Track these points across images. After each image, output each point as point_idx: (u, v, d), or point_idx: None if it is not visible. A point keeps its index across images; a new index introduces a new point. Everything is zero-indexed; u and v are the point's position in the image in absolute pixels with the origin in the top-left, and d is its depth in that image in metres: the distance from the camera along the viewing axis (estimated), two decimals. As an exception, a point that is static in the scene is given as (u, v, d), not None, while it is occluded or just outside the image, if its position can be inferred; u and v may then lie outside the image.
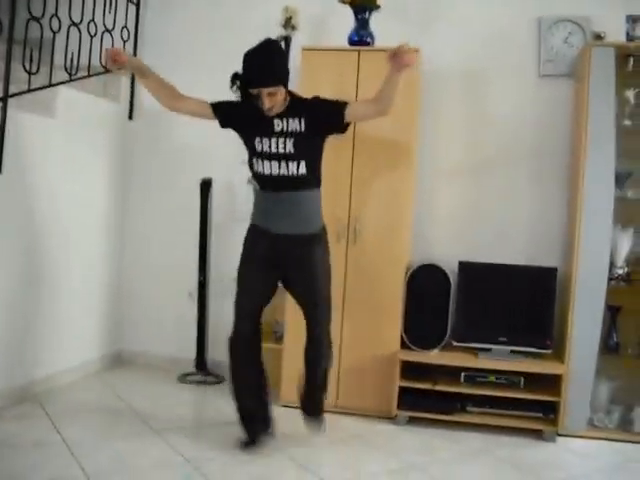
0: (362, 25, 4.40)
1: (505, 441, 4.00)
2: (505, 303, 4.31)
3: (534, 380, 4.16)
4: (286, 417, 3.99)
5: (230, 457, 3.52)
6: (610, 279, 4.14)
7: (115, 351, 5.21)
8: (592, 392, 4.14)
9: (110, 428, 3.91)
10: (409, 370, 4.18)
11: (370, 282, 4.25)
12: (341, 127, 3.51)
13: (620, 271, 4.19)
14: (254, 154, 3.50)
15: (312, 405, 3.84)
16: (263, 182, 3.53)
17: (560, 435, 4.07)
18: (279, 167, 3.44)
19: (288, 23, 4.67)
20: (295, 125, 3.44)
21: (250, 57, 3.31)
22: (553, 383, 4.12)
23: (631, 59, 4.24)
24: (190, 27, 5.12)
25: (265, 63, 3.29)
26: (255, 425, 3.66)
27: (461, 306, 4.34)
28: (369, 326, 4.25)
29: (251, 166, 3.56)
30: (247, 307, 3.60)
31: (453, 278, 4.35)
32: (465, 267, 4.36)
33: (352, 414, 4.26)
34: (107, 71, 4.57)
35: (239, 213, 4.84)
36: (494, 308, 4.30)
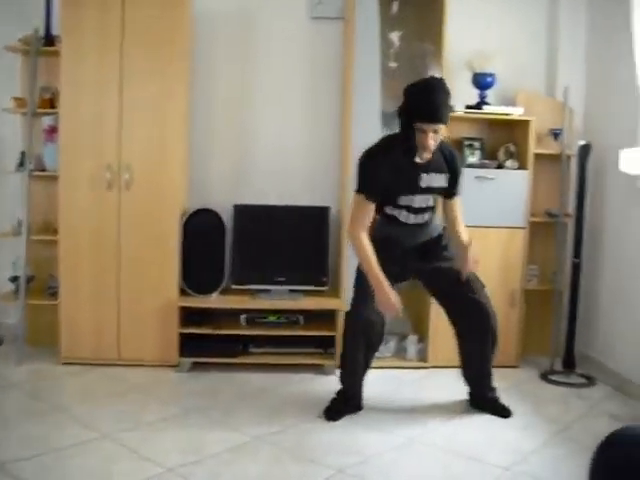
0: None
1: (288, 378, 4.11)
2: (281, 244, 4.38)
3: (313, 317, 4.29)
4: (67, 374, 3.86)
5: (7, 424, 3.35)
6: (380, 215, 4.31)
7: None
8: (368, 325, 4.33)
9: None
10: (190, 316, 4.17)
11: (145, 230, 4.14)
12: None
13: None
14: (394, 206, 3.47)
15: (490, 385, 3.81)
16: (391, 221, 3.51)
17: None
18: (415, 218, 3.50)
19: (48, -40, 4.38)
20: (440, 182, 3.48)
21: (427, 93, 3.26)
22: (331, 318, 4.26)
23: (396, 3, 4.37)
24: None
25: (442, 100, 3.26)
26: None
27: (237, 249, 4.36)
28: (147, 275, 4.16)
29: (383, 210, 3.50)
30: None
31: (228, 221, 4.34)
32: (240, 210, 4.36)
33: (135, 365, 4.17)
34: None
35: (4, 165, 4.56)
36: (270, 249, 4.36)
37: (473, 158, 4.48)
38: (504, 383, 4.12)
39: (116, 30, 4.06)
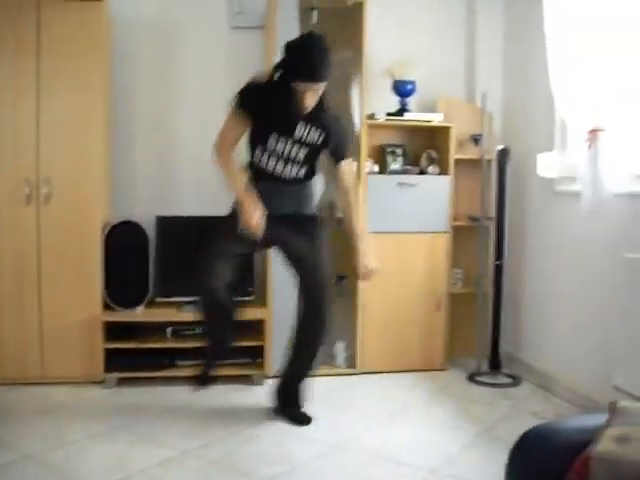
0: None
1: (216, 390, 4.04)
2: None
3: (241, 327, 4.25)
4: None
5: None
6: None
7: None
8: (296, 333, 4.34)
9: None
10: (115, 330, 4.09)
11: (66, 244, 4.05)
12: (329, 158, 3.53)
13: (314, 216, 4.39)
14: (263, 147, 3.39)
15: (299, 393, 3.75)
16: (260, 173, 3.45)
17: (269, 377, 4.21)
18: (283, 168, 3.43)
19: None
20: (314, 136, 3.40)
21: (305, 51, 3.16)
22: (258, 328, 4.25)
23: (315, 12, 4.41)
24: None
25: (321, 58, 3.16)
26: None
27: (161, 261, 4.31)
28: (69, 290, 4.06)
29: (253, 154, 3.45)
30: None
31: (151, 233, 4.29)
32: (162, 221, 4.32)
33: (60, 383, 4.07)
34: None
35: None
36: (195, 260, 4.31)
37: (395, 165, 4.54)
38: (432, 385, 4.19)
39: (31, 40, 3.95)
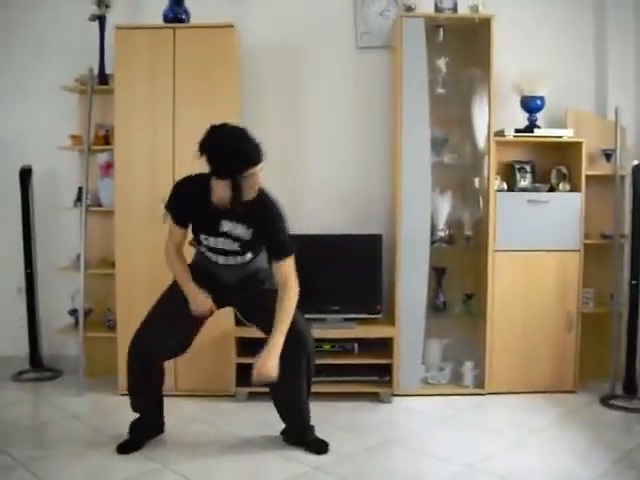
0: (177, 1, 4.31)
1: (344, 407, 4.10)
2: (334, 272, 4.37)
3: (368, 345, 4.29)
4: (125, 405, 3.89)
5: (66, 454, 3.40)
6: (433, 242, 4.32)
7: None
8: (423, 351, 4.33)
9: None
10: (246, 346, 4.18)
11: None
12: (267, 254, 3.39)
13: (442, 234, 4.38)
14: (200, 243, 3.39)
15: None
16: (206, 260, 3.44)
17: (396, 395, 4.22)
18: (226, 259, 3.36)
19: (101, 1, 4.50)
20: (241, 232, 3.27)
21: (211, 147, 3.05)
22: (386, 346, 4.26)
23: (441, 30, 4.41)
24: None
25: (246, 143, 3.06)
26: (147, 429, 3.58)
27: (292, 278, 4.36)
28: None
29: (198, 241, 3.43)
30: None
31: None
32: (293, 239, 4.37)
33: (192, 396, 4.22)
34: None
35: (62, 201, 4.71)
36: (324, 278, 4.33)
37: (524, 182, 4.45)
38: (561, 409, 4.07)
39: (167, 67, 4.16)
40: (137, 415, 3.55)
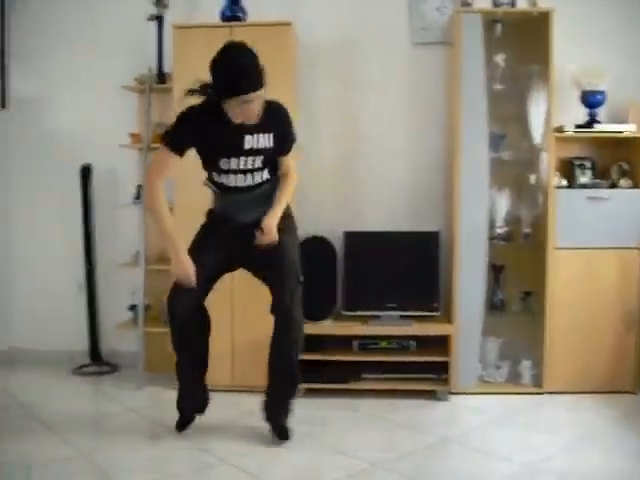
0: (234, 0, 4.35)
1: (401, 404, 4.10)
2: (391, 270, 4.38)
3: (425, 342, 4.28)
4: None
5: (126, 446, 3.47)
6: (491, 239, 4.28)
7: (2, 350, 5.03)
8: (481, 349, 4.30)
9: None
10: (304, 343, 4.20)
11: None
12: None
13: (500, 231, 4.34)
14: (218, 171, 3.37)
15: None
16: (225, 189, 3.44)
17: (453, 393, 4.20)
18: (245, 180, 3.38)
19: (159, 1, 4.57)
20: (265, 142, 3.32)
21: (225, 66, 3.09)
22: (443, 344, 4.24)
23: (499, 25, 4.36)
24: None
25: (244, 69, 3.07)
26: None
27: (348, 276, 4.40)
28: (259, 303, 4.17)
29: (211, 178, 3.45)
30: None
31: (339, 248, 4.40)
32: (350, 237, 4.41)
33: (249, 391, 4.22)
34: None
35: (121, 198, 4.80)
36: (381, 275, 4.36)
37: (584, 178, 4.38)
38: (620, 410, 3.99)
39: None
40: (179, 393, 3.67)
